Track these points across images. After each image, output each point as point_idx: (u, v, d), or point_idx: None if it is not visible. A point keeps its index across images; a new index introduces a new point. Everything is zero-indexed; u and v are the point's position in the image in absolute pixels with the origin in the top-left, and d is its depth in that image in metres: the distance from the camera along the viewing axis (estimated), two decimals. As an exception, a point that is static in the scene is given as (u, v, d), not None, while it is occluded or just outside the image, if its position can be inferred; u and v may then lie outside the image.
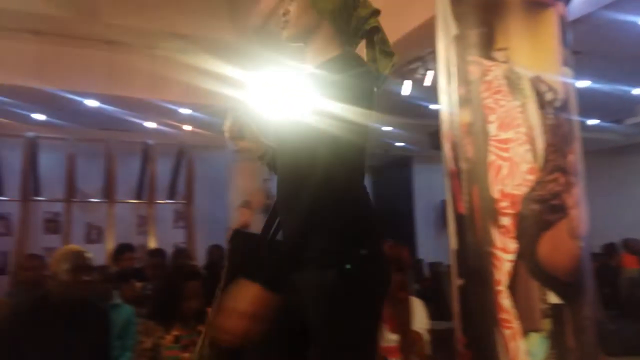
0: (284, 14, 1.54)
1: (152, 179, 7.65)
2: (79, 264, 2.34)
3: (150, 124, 7.60)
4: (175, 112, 6.75)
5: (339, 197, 1.27)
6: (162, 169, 7.87)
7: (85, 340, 2.30)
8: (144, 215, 8.18)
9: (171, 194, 8.46)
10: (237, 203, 6.94)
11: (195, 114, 6.92)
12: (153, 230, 7.51)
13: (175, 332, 2.45)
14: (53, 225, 7.50)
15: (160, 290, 2.58)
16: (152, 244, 7.27)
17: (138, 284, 4.16)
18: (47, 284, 3.13)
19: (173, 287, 2.49)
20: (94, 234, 8.15)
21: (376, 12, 1.51)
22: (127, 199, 8.10)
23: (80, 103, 6.07)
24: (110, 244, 7.08)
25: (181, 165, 8.23)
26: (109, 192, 7.51)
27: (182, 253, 5.13)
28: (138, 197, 8.23)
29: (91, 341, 2.33)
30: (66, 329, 2.28)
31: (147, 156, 7.82)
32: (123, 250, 4.62)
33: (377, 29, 1.50)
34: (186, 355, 2.41)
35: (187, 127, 7.48)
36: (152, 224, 7.59)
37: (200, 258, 5.97)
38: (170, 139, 7.86)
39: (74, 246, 2.50)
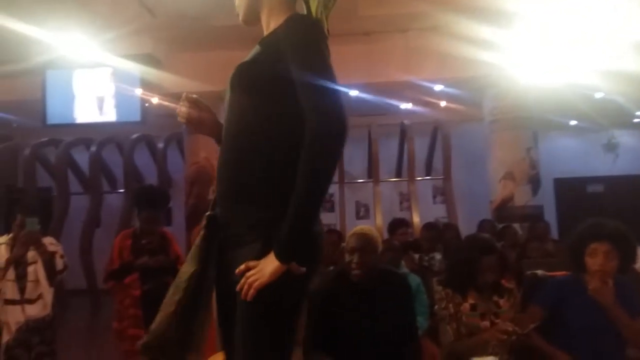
0: (236, 7, 1.53)
1: (411, 157, 7.95)
2: (362, 245, 2.50)
3: (406, 105, 7.90)
4: (430, 90, 6.86)
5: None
6: (420, 147, 8.11)
7: (392, 305, 2.52)
8: (405, 192, 8.59)
9: (428, 171, 8.69)
10: (499, 175, 6.77)
11: (448, 89, 6.93)
12: (415, 206, 7.81)
13: (471, 301, 2.52)
14: (329, 204, 8.48)
15: (457, 262, 2.66)
16: (415, 219, 7.56)
17: (415, 255, 4.42)
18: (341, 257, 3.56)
19: (469, 260, 2.52)
20: (363, 211, 8.93)
21: None
22: (389, 178, 8.63)
23: (346, 94, 6.66)
24: (378, 220, 7.62)
25: (437, 142, 8.36)
26: (373, 173, 8.07)
27: (451, 227, 5.21)
28: (398, 175, 8.70)
29: (398, 305, 2.54)
30: (373, 295, 2.53)
31: (404, 136, 8.16)
32: (398, 225, 4.91)
33: None
34: (485, 322, 2.47)
35: (443, 103, 7.54)
36: (414, 200, 7.89)
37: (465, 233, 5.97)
38: (425, 117, 8.04)
39: (364, 227, 2.71)
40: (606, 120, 8.17)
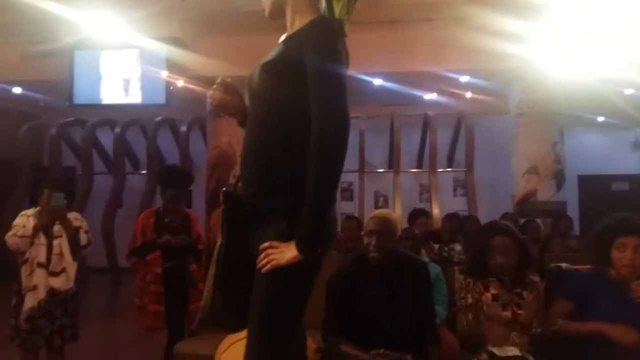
0: (263, 2, 1.61)
1: (433, 149, 7.88)
2: (380, 228, 2.50)
3: (430, 96, 7.83)
4: (455, 81, 6.78)
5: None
6: (442, 138, 8.04)
7: (410, 290, 2.52)
8: (425, 184, 8.54)
9: (450, 162, 8.62)
10: (523, 169, 6.69)
11: (474, 80, 6.84)
12: (435, 198, 7.76)
13: (493, 291, 2.50)
14: (348, 193, 8.47)
15: (471, 247, 2.66)
16: (435, 210, 7.52)
17: (435, 246, 4.40)
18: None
19: (480, 243, 2.54)
20: (382, 201, 8.91)
21: None
22: (409, 169, 8.59)
23: (370, 83, 6.62)
24: (397, 211, 7.59)
25: (460, 134, 8.27)
26: (394, 163, 8.03)
27: (472, 219, 5.16)
28: (419, 166, 8.64)
29: (417, 290, 2.54)
30: (392, 280, 2.53)
31: (427, 126, 8.09)
32: (417, 215, 4.90)
33: None
34: (507, 313, 2.45)
35: (468, 95, 7.45)
36: (434, 191, 7.84)
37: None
38: (449, 108, 7.96)
39: (383, 210, 2.71)
40: (635, 117, 8.00)
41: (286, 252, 1.36)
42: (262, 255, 1.38)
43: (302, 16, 1.51)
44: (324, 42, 1.41)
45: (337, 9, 1.52)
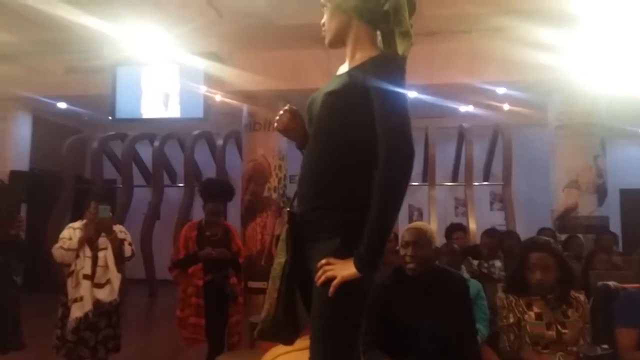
0: (323, 25, 1.68)
1: (469, 161, 7.77)
2: (416, 238, 2.47)
3: (465, 108, 7.75)
4: (492, 93, 6.70)
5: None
6: (478, 151, 7.93)
7: (450, 303, 2.49)
8: (461, 198, 8.42)
9: (487, 176, 8.48)
10: (563, 183, 6.53)
11: (511, 92, 6.74)
12: (472, 212, 7.63)
13: (537, 309, 2.45)
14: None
15: (512, 264, 2.61)
16: (472, 225, 7.40)
17: (474, 262, 4.32)
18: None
19: (521, 259, 2.49)
20: (416, 215, 8.83)
21: None
22: (444, 182, 8.49)
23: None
24: (432, 225, 7.51)
25: (496, 146, 8.14)
26: (428, 176, 7.94)
27: (512, 234, 5.06)
28: (455, 179, 8.53)
29: (456, 303, 2.50)
30: (430, 292, 2.51)
31: (462, 139, 7.99)
32: (454, 229, 4.83)
33: (388, 14, 1.56)
34: (551, 332, 2.38)
35: (506, 107, 7.35)
36: (470, 205, 7.72)
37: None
38: (485, 120, 7.85)
39: (418, 222, 2.70)
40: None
41: (343, 270, 1.42)
42: (320, 271, 1.44)
43: (363, 51, 1.60)
44: (392, 77, 1.49)
45: (402, 47, 1.57)
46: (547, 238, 2.66)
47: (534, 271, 2.41)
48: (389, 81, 1.48)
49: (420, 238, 2.48)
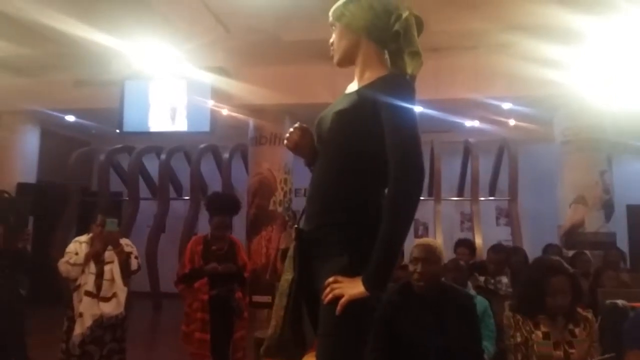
0: (331, 44, 1.69)
1: (474, 176, 7.75)
2: (424, 255, 2.47)
3: (471, 123, 7.76)
4: (497, 108, 6.71)
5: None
6: (484, 166, 7.91)
7: (456, 320, 2.46)
8: (467, 213, 8.39)
9: (492, 191, 8.45)
10: (569, 199, 6.49)
11: (517, 107, 6.75)
12: (477, 227, 7.60)
13: (544, 328, 2.42)
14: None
15: (525, 285, 2.57)
16: (478, 240, 7.35)
17: (481, 278, 4.29)
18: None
19: (537, 282, 2.44)
20: (422, 230, 8.80)
21: (399, 17, 1.57)
22: (450, 197, 8.46)
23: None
24: (438, 240, 7.47)
25: (502, 161, 8.13)
26: (434, 190, 7.93)
27: (518, 250, 5.03)
28: (460, 194, 8.50)
29: (462, 320, 2.48)
30: (437, 308, 2.49)
31: (468, 154, 7.99)
32: (460, 244, 4.83)
33: (398, 34, 1.56)
34: (559, 352, 2.36)
35: (511, 122, 7.35)
36: (476, 220, 7.68)
37: (531, 258, 5.72)
38: (490, 135, 7.85)
39: (427, 239, 2.68)
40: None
41: (350, 288, 1.41)
42: (327, 289, 1.43)
43: (372, 70, 1.61)
44: (402, 95, 1.50)
45: (411, 66, 1.58)
46: (558, 258, 2.64)
47: (554, 296, 2.38)
48: (399, 99, 1.48)
49: (430, 255, 2.49)
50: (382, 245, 1.41)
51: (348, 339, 1.43)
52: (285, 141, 1.68)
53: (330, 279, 1.43)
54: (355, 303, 1.39)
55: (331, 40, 1.70)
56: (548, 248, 5.30)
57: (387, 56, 1.66)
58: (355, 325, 1.43)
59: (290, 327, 1.54)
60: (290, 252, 1.61)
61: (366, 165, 1.53)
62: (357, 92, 1.61)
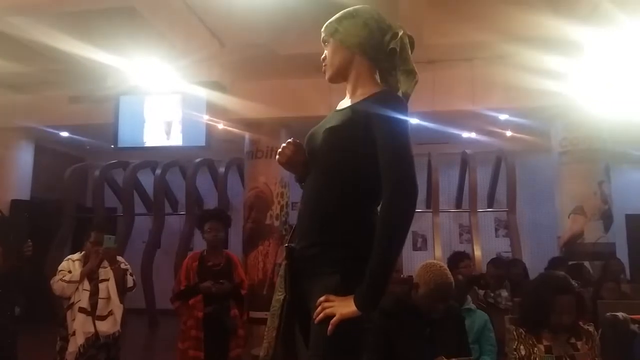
0: (323, 60, 1.67)
1: (472, 188, 7.72)
2: (439, 287, 2.43)
3: (468, 134, 7.75)
4: (494, 119, 6.71)
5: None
6: (482, 177, 7.90)
7: (445, 336, 2.46)
8: (465, 224, 8.36)
9: (491, 202, 8.43)
10: (568, 209, 6.46)
11: (514, 118, 6.75)
12: (476, 239, 7.56)
13: (546, 342, 2.38)
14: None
15: (530, 302, 2.53)
16: (477, 252, 7.31)
17: (480, 292, 4.25)
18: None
19: (543, 300, 2.38)
20: (420, 242, 8.75)
21: (395, 35, 1.56)
22: (448, 208, 8.43)
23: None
24: (437, 252, 7.43)
25: (500, 173, 8.12)
26: (432, 202, 7.89)
27: (517, 263, 4.99)
28: (459, 206, 8.47)
29: (451, 337, 2.46)
30: (427, 325, 2.47)
31: (466, 165, 7.97)
32: (460, 258, 4.75)
33: (394, 51, 1.55)
34: (562, 366, 2.32)
35: (509, 133, 7.35)
36: (475, 232, 7.64)
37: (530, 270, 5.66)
38: (488, 147, 7.85)
39: (439, 265, 2.61)
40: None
41: (342, 307, 1.38)
42: (319, 308, 1.41)
43: (365, 87, 1.60)
44: (395, 112, 1.48)
45: (405, 85, 1.57)
46: (564, 275, 2.59)
47: (561, 314, 2.34)
48: (392, 115, 1.47)
49: (449, 294, 2.49)
50: (375, 264, 1.38)
51: (338, 359, 1.41)
52: (278, 156, 1.65)
53: (322, 298, 1.41)
54: (346, 322, 1.36)
55: (323, 56, 1.69)
56: (555, 262, 5.14)
57: (378, 74, 1.65)
58: (346, 344, 1.40)
59: (282, 347, 1.52)
60: (281, 272, 1.58)
61: (358, 183, 1.51)
62: (350, 108, 1.59)
